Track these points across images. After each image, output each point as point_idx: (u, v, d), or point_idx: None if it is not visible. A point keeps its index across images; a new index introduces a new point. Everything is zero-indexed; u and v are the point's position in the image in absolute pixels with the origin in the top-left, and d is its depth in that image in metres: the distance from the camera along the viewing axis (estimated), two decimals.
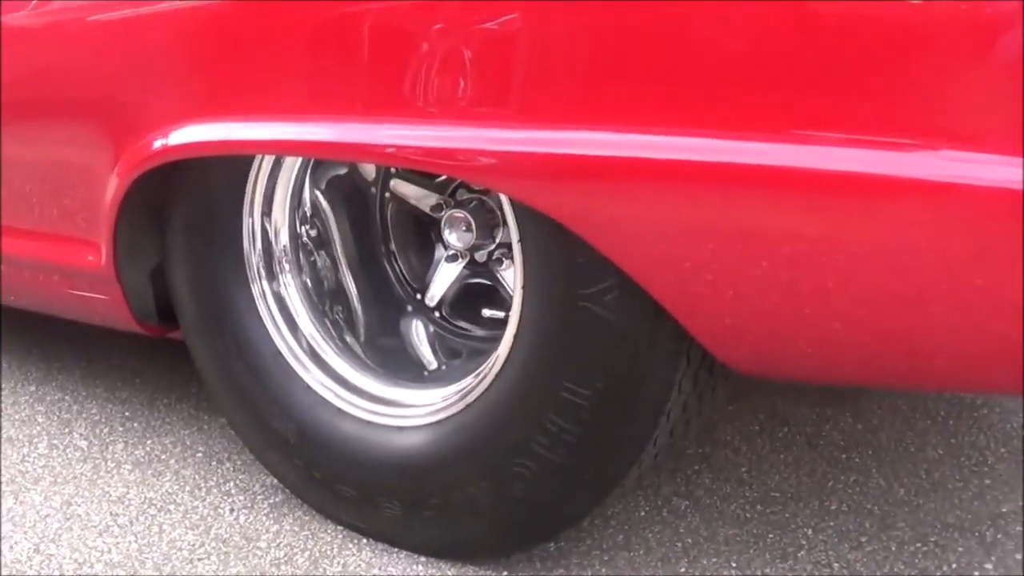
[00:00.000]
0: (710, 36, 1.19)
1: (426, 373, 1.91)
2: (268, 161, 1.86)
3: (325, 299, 1.97)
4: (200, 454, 2.29)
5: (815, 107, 1.14)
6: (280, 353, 1.90)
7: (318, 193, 1.95)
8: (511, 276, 1.79)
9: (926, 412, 2.31)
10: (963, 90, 1.07)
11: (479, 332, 1.94)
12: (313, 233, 1.97)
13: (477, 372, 1.70)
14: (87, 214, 2.03)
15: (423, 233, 1.98)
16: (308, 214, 1.96)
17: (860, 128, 1.12)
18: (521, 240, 1.53)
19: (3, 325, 3.12)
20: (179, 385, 2.65)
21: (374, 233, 1.99)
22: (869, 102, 1.11)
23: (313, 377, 1.89)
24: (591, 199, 1.33)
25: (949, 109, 1.08)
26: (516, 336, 1.58)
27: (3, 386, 2.75)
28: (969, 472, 2.09)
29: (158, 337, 2.18)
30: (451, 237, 1.84)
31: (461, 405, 1.69)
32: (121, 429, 2.43)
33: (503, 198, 1.57)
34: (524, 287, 1.54)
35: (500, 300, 1.89)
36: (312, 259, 1.98)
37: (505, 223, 1.78)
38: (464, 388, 1.71)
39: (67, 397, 2.65)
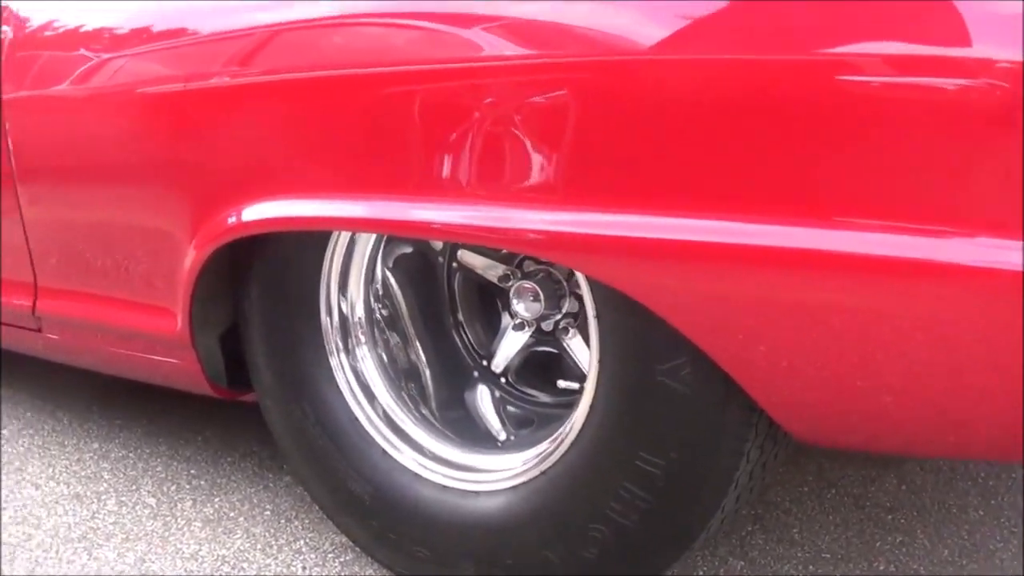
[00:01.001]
0: (771, 132, 1.27)
1: (500, 441, 1.97)
2: (344, 237, 1.93)
3: (400, 375, 2.04)
4: (268, 512, 2.35)
5: (855, 197, 1.23)
6: (357, 420, 1.97)
7: (387, 271, 2.02)
8: (577, 345, 1.87)
9: (967, 474, 2.37)
10: (993, 176, 1.15)
11: (545, 398, 2.00)
12: (385, 313, 2.04)
13: (553, 438, 1.77)
14: (164, 282, 2.10)
15: (489, 302, 2.06)
16: (380, 293, 2.03)
17: (897, 215, 1.20)
18: (598, 316, 1.60)
19: (64, 382, 3.20)
20: (241, 443, 2.72)
21: (442, 303, 2.06)
22: (906, 191, 1.20)
23: (390, 443, 1.95)
24: (668, 279, 1.40)
25: (981, 196, 1.16)
26: (592, 407, 1.64)
27: (67, 443, 2.83)
28: (1008, 532, 2.15)
29: (228, 399, 2.24)
30: (519, 307, 1.90)
31: (537, 471, 1.75)
32: (188, 487, 2.49)
33: (579, 275, 1.64)
34: (600, 361, 1.61)
35: (565, 367, 1.96)
36: (385, 337, 2.04)
37: (572, 293, 1.85)
38: (540, 454, 1.78)
39: (131, 455, 2.72)
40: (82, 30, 2.29)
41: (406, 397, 2.01)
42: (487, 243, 1.77)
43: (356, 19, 1.72)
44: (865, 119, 1.21)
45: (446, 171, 1.57)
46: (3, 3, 2.46)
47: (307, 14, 1.77)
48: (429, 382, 2.04)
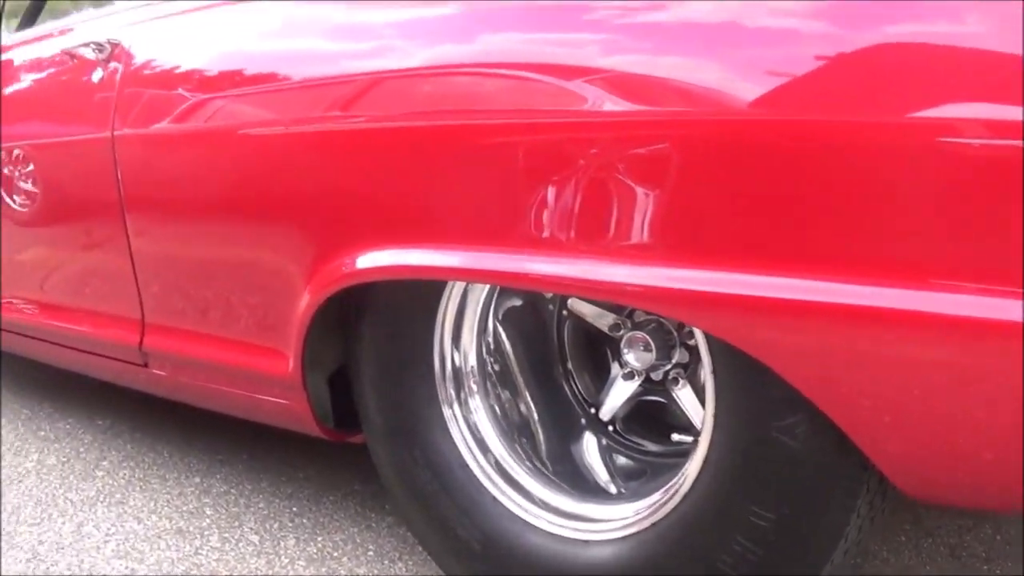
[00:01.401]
0: (874, 196, 1.33)
1: (611, 491, 2.02)
2: (458, 288, 2.00)
3: (512, 429, 2.10)
4: (371, 552, 2.42)
5: (952, 261, 1.29)
6: (468, 467, 2.04)
7: (497, 324, 2.09)
8: (686, 395, 1.92)
9: None
10: None
11: (653, 447, 2.06)
12: (496, 368, 2.11)
13: (665, 489, 1.82)
14: (275, 324, 2.19)
15: (598, 350, 2.11)
16: (491, 346, 2.10)
17: (989, 279, 1.27)
18: (714, 372, 1.65)
19: (164, 415, 3.30)
20: (342, 482, 2.80)
21: (551, 353, 2.13)
22: (1005, 255, 1.25)
23: (501, 491, 2.01)
24: (786, 337, 1.46)
25: None
26: (706, 461, 1.70)
27: (168, 476, 2.92)
28: None
29: (334, 440, 2.32)
30: (629, 356, 1.96)
31: (648, 522, 1.80)
32: (291, 525, 2.57)
33: (697, 331, 1.69)
34: (715, 416, 1.67)
35: (672, 416, 2.01)
36: (497, 392, 2.11)
37: (682, 344, 1.91)
38: (653, 504, 1.83)
39: (233, 490, 2.80)
40: (193, 69, 2.40)
41: (519, 448, 2.07)
42: (603, 298, 1.83)
43: (465, 68, 1.79)
44: (966, 183, 1.27)
45: (558, 224, 1.64)
46: (115, 40, 2.57)
47: (420, 62, 1.86)
48: (540, 434, 2.10)
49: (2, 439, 3.41)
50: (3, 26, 3.58)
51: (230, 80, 2.29)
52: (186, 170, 2.33)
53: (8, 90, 3.30)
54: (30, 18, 3.75)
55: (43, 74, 3.16)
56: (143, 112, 2.44)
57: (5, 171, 3.08)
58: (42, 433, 3.45)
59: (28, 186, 3.00)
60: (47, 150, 2.93)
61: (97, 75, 2.59)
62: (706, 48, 1.50)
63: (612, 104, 1.55)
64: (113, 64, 2.55)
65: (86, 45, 2.66)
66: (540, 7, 1.75)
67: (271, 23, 2.27)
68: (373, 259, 1.89)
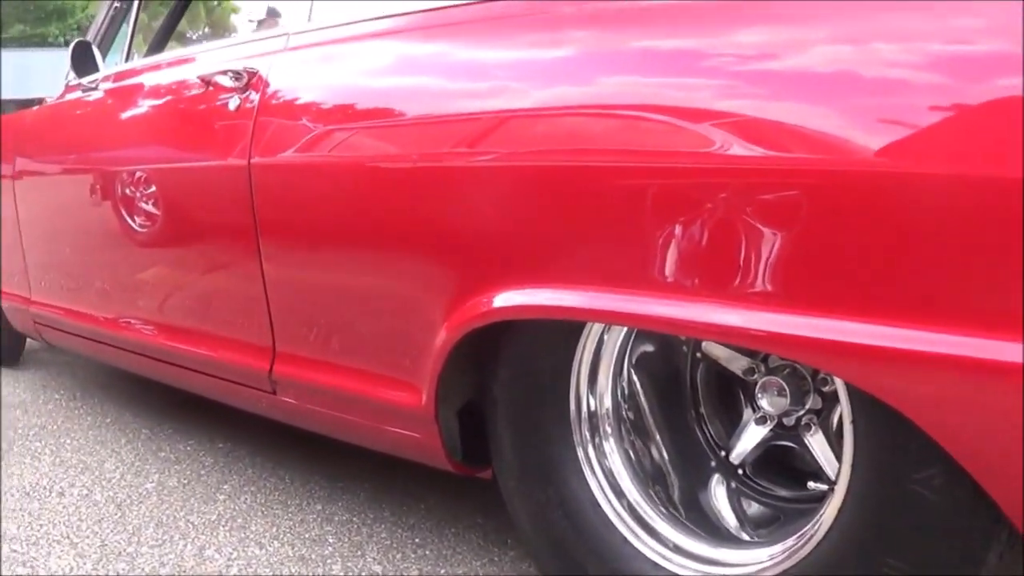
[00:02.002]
0: (1008, 250, 1.39)
1: (742, 536, 2.09)
2: (596, 330, 2.09)
3: (646, 475, 2.17)
4: None
5: None
6: (601, 508, 2.11)
7: (631, 369, 2.17)
8: (819, 441, 1.99)
9: None
10: None
11: (783, 492, 2.12)
12: (631, 415, 2.19)
13: (800, 534, 1.89)
14: (409, 358, 2.29)
15: (730, 393, 2.18)
16: (626, 392, 2.18)
17: None
18: (854, 422, 1.72)
19: (285, 440, 3.42)
20: (464, 514, 2.88)
21: (684, 396, 2.20)
22: None
23: (633, 533, 2.08)
24: (926, 389, 1.51)
25: None
26: (841, 509, 1.76)
27: (290, 503, 3.04)
28: None
29: (462, 474, 2.41)
30: (763, 401, 2.03)
31: (781, 568, 1.87)
32: (414, 556, 2.66)
33: (838, 381, 1.76)
34: (853, 464, 1.73)
35: (803, 461, 2.08)
36: (632, 438, 2.19)
37: (816, 390, 1.97)
38: (787, 550, 1.89)
39: (355, 519, 2.90)
40: (330, 101, 2.52)
41: (652, 493, 2.14)
42: (742, 344, 1.89)
43: (596, 110, 1.88)
44: None
45: (694, 268, 1.72)
46: (253, 69, 2.70)
47: (555, 102, 1.96)
48: (672, 478, 2.17)
49: (122, 459, 3.55)
50: (132, 50, 3.75)
51: (367, 113, 2.41)
52: (324, 201, 2.45)
53: (133, 113, 3.46)
54: (159, 44, 3.92)
55: (173, 99, 3.31)
56: (281, 141, 2.56)
57: (126, 192, 3.23)
58: (163, 454, 3.59)
59: (149, 207, 3.15)
60: (173, 174, 3.07)
61: (234, 103, 2.71)
62: (826, 96, 1.57)
63: (742, 149, 1.62)
64: (250, 93, 2.68)
65: (223, 73, 2.79)
66: (657, 53, 1.85)
67: (407, 59, 2.39)
68: (509, 298, 1.99)
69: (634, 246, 1.79)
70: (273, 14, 4.92)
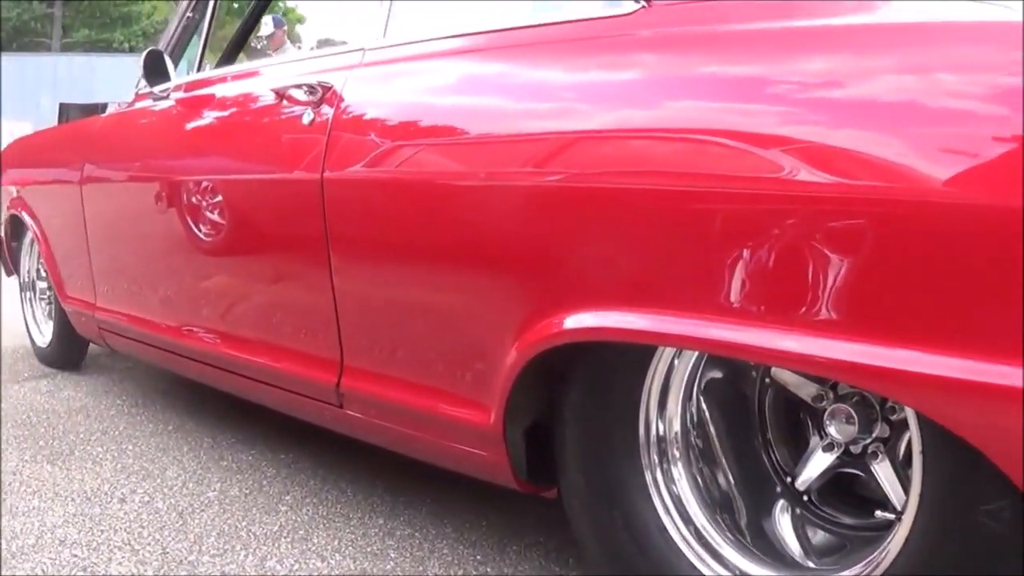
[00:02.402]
0: None
1: (808, 564, 2.12)
2: (667, 354, 2.14)
3: (713, 500, 2.21)
4: None
5: None
6: (667, 532, 2.15)
7: (700, 396, 2.21)
8: (885, 470, 2.02)
9: None
10: None
11: (847, 520, 2.16)
12: (700, 444, 2.23)
13: (867, 562, 1.93)
14: (479, 376, 2.35)
15: (797, 419, 2.22)
16: (695, 419, 2.22)
17: None
18: (923, 453, 1.76)
19: (347, 452, 3.49)
20: (526, 532, 2.93)
21: (751, 422, 2.24)
22: None
23: (699, 558, 2.12)
24: (997, 422, 1.55)
25: None
26: (908, 539, 1.80)
27: (351, 516, 3.10)
28: None
29: (527, 493, 2.46)
30: (832, 428, 2.06)
31: None
32: (475, 573, 2.70)
33: (908, 410, 1.80)
34: (921, 494, 1.77)
35: (867, 488, 2.11)
36: (700, 466, 2.23)
37: (883, 419, 2.01)
38: None
39: (417, 534, 2.96)
40: (405, 117, 2.60)
41: (719, 520, 2.18)
42: (815, 372, 1.94)
43: (664, 133, 1.95)
44: None
45: (764, 294, 1.76)
46: (328, 84, 2.77)
47: (628, 124, 2.02)
48: (739, 504, 2.20)
49: (184, 467, 3.63)
50: (204, 61, 3.84)
51: (439, 130, 2.48)
52: (396, 216, 2.52)
53: (203, 123, 3.55)
54: (230, 54, 4.01)
55: (245, 111, 3.39)
56: (354, 156, 2.63)
57: (194, 200, 3.31)
58: (224, 463, 3.67)
59: (217, 217, 3.22)
60: (243, 185, 3.15)
61: (307, 117, 2.78)
62: (892, 125, 1.62)
63: (810, 175, 1.67)
64: (324, 107, 2.75)
65: (298, 87, 2.86)
66: (722, 79, 1.91)
67: (481, 78, 2.47)
68: (581, 320, 2.04)
69: (703, 270, 1.84)
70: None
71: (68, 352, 5.16)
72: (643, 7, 2.09)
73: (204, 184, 3.26)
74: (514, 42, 2.37)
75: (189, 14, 3.99)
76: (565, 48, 2.23)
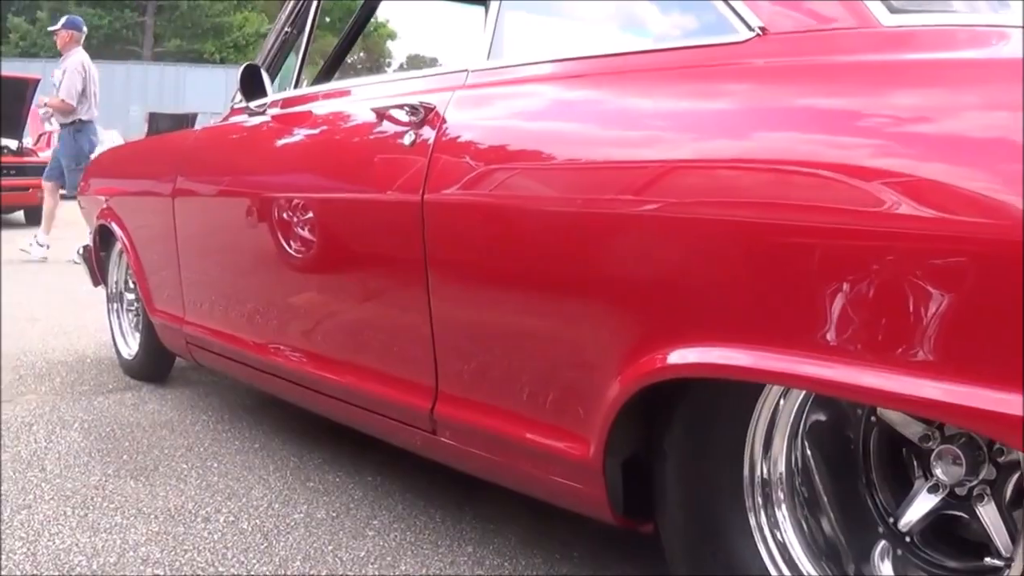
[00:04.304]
0: None
1: None
2: (775, 393, 2.15)
3: (817, 545, 2.22)
4: None
5: None
6: (770, 574, 2.18)
7: (804, 438, 2.23)
8: (990, 513, 2.02)
9: None
10: None
11: (950, 563, 2.16)
12: (805, 491, 2.24)
13: None
14: (579, 408, 2.37)
15: (902, 459, 2.22)
16: (799, 463, 2.23)
17: None
18: None
19: (435, 476, 3.53)
20: (615, 565, 2.96)
21: (855, 463, 2.24)
22: None
23: None
24: None
25: None
26: None
27: (440, 543, 3.13)
28: None
29: (623, 527, 2.49)
30: (938, 469, 2.06)
31: None
32: None
33: (1021, 455, 1.81)
34: None
35: (971, 530, 2.11)
36: (804, 512, 2.24)
37: (991, 460, 2.02)
38: None
39: (507, 564, 2.99)
40: (507, 142, 2.65)
41: (823, 564, 2.19)
42: (925, 414, 1.95)
43: (772, 165, 1.95)
44: None
45: (867, 332, 1.77)
46: (430, 105, 2.82)
47: (725, 155, 2.06)
48: (844, 551, 2.21)
49: (270, 486, 3.69)
50: (302, 77, 3.91)
51: (543, 155, 2.51)
52: (498, 242, 2.55)
53: (300, 140, 3.62)
54: (328, 71, 4.08)
55: (342, 129, 3.45)
56: (456, 179, 2.67)
57: (287, 217, 3.37)
58: (311, 484, 3.72)
59: (308, 234, 3.29)
60: (339, 204, 3.20)
61: (408, 138, 2.83)
62: (986, 160, 1.64)
63: (909, 210, 1.69)
64: (426, 129, 2.80)
65: (399, 107, 2.91)
66: (831, 111, 1.93)
67: (586, 103, 2.51)
68: (684, 355, 2.07)
69: (805, 307, 1.85)
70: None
71: (154, 365, 5.25)
72: (757, 35, 2.11)
73: (298, 201, 3.32)
74: (626, 68, 2.40)
75: (287, 29, 4.06)
76: (677, 76, 2.26)
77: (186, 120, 32.95)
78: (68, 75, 11.01)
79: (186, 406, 4.89)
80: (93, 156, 9.42)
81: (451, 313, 2.74)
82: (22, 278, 9.67)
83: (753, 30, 2.12)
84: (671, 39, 2.41)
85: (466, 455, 2.86)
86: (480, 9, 2.95)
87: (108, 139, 27.85)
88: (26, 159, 15.62)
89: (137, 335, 5.32)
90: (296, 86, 3.87)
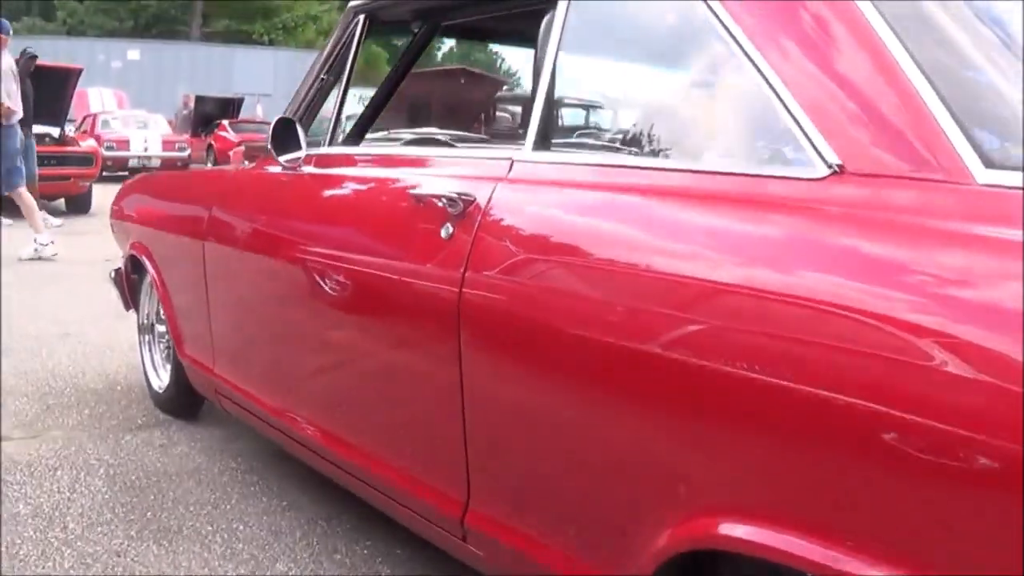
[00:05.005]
0: None
1: None
2: None
3: None
4: None
5: None
6: None
7: None
8: None
9: None
10: None
11: None
12: None
13: None
14: (618, 551, 2.18)
15: None
16: None
17: None
18: None
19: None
20: None
21: None
22: None
23: None
24: None
25: None
26: None
27: None
28: None
29: None
30: None
31: None
32: None
33: None
34: None
35: None
36: None
37: None
38: None
39: None
40: (548, 242, 2.43)
41: None
42: None
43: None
44: None
45: (908, 531, 1.60)
46: (470, 197, 2.61)
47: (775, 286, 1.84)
48: None
49: (296, 559, 3.54)
50: (338, 132, 3.68)
51: (594, 267, 2.27)
52: (540, 352, 2.34)
53: (330, 208, 3.42)
54: (362, 128, 3.84)
55: (376, 203, 3.25)
56: (497, 282, 2.48)
57: (315, 287, 3.19)
58: (337, 557, 3.57)
59: (336, 309, 3.24)
60: (367, 286, 3.04)
61: (446, 231, 2.62)
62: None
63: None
64: (466, 223, 2.58)
65: (437, 197, 2.69)
66: (860, 255, 1.76)
67: (646, 215, 2.28)
68: (733, 528, 1.88)
69: (841, 493, 1.70)
70: None
71: (185, 400, 5.00)
72: (833, 173, 1.89)
73: (329, 275, 3.14)
74: (683, 187, 2.19)
75: (323, 76, 3.83)
76: (741, 203, 2.04)
77: (231, 105, 33.15)
78: (4, 78, 10.84)
79: (216, 449, 4.72)
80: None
81: (485, 420, 2.56)
82: (50, 281, 9.62)
83: (831, 167, 1.89)
84: (739, 159, 2.16)
85: (496, 567, 2.67)
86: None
87: (153, 123, 28.12)
88: (68, 148, 15.50)
89: (168, 368, 5.11)
90: (331, 141, 3.63)
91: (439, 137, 3.71)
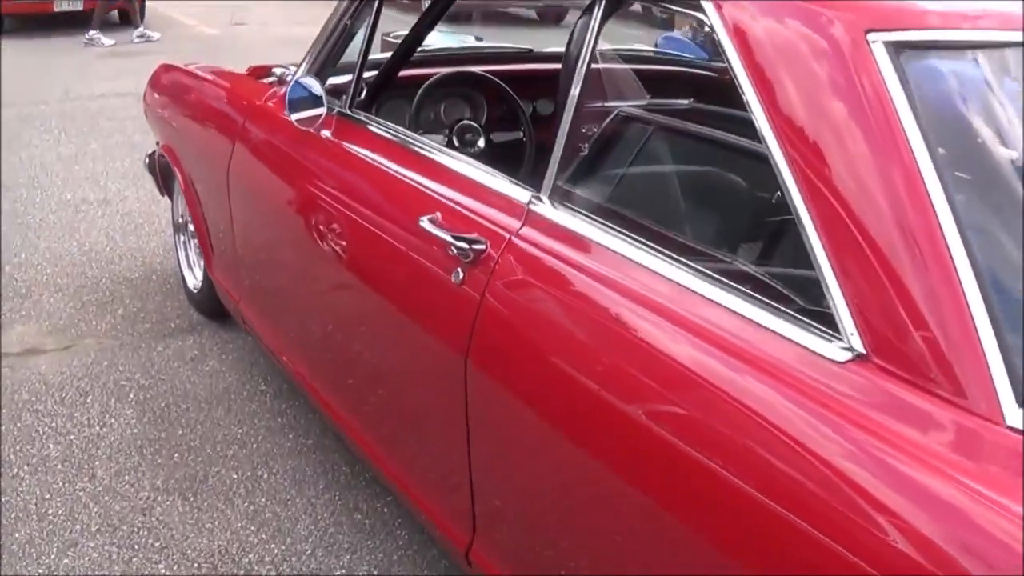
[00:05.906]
0: None
1: None
2: None
3: None
4: None
5: None
6: None
7: None
8: None
9: None
10: None
11: None
12: None
13: None
14: None
15: None
16: None
17: None
18: None
19: None
20: None
21: None
22: None
23: None
24: None
25: None
26: None
27: None
28: None
29: None
30: None
31: None
32: None
33: None
34: None
35: None
36: None
37: None
38: None
39: None
40: (560, 300, 2.28)
41: None
42: None
43: None
44: None
45: None
46: (482, 247, 2.43)
47: None
48: None
49: (316, 520, 3.50)
50: (359, 91, 3.46)
51: (607, 334, 2.12)
52: (545, 413, 2.22)
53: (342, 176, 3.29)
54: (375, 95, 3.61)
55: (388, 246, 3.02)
56: (506, 338, 2.37)
57: (329, 244, 3.15)
58: (358, 517, 3.53)
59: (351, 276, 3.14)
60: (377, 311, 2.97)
61: (456, 277, 2.46)
62: None
63: None
64: (478, 270, 2.41)
65: (448, 244, 2.50)
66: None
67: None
68: None
69: None
70: None
71: (218, 304, 4.79)
72: (857, 357, 1.70)
73: (344, 263, 3.08)
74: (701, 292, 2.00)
75: (346, 21, 3.57)
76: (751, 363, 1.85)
77: None
78: None
79: (246, 365, 4.62)
80: None
81: (497, 466, 2.48)
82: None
83: (852, 350, 1.70)
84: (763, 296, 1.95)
85: None
86: None
87: None
88: None
89: (203, 266, 4.92)
90: (352, 104, 3.40)
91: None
